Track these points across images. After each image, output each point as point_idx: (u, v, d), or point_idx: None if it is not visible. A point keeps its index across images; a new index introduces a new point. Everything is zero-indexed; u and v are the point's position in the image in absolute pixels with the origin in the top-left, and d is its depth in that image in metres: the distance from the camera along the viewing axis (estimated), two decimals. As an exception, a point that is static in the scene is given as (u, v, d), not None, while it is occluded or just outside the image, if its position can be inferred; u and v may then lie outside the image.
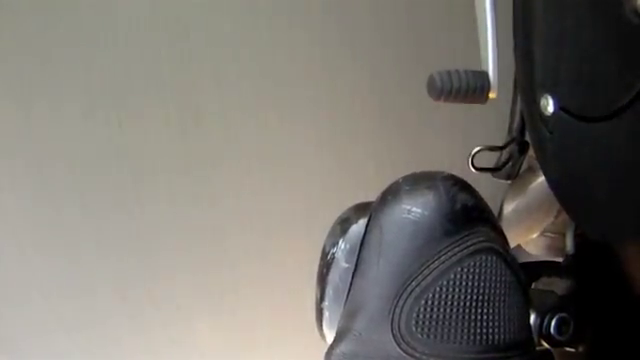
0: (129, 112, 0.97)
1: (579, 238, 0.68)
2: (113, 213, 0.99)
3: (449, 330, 0.53)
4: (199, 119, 1.01)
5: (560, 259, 0.70)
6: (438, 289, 0.53)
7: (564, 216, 0.70)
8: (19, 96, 0.92)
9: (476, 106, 0.59)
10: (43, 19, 0.91)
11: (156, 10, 0.96)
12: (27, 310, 0.98)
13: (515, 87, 0.65)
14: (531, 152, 0.64)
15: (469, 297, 0.53)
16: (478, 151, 0.66)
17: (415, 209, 0.54)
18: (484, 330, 0.53)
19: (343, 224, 0.57)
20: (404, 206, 0.54)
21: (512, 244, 0.62)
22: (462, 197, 0.55)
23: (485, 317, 0.53)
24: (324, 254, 0.58)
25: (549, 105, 0.55)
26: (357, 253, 0.56)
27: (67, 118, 0.94)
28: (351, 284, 0.55)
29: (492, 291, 0.54)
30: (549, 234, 0.75)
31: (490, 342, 0.53)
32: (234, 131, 1.02)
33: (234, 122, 1.02)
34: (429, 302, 0.53)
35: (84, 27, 0.93)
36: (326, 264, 0.57)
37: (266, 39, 1.01)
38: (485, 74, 0.57)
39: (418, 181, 0.56)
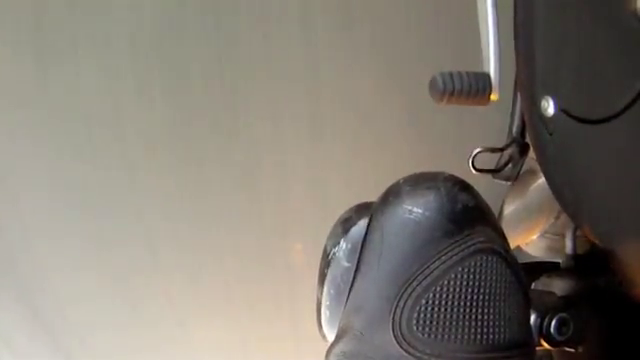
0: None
1: (579, 239, 0.69)
2: (113, 208, 0.99)
3: (450, 330, 0.53)
4: (212, 117, 1.01)
5: (560, 260, 0.70)
6: (439, 289, 0.53)
7: (564, 217, 0.70)
8: (39, 50, 0.92)
9: (477, 107, 0.59)
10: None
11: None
12: (26, 305, 0.98)
13: (515, 88, 0.65)
14: (531, 154, 0.64)
15: (470, 297, 0.53)
16: (479, 152, 0.66)
17: (416, 209, 0.54)
18: (484, 330, 0.54)
19: (344, 224, 0.58)
20: (405, 206, 0.55)
21: (512, 245, 0.63)
22: (463, 197, 0.55)
23: (486, 317, 0.54)
24: (325, 254, 0.58)
25: (549, 107, 0.55)
26: (358, 253, 0.56)
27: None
28: (352, 284, 0.56)
29: (493, 291, 0.54)
30: (549, 235, 0.75)
31: (490, 342, 0.54)
32: (246, 132, 1.03)
33: (245, 123, 1.02)
34: (430, 302, 0.53)
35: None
36: (327, 264, 0.57)
37: (271, 40, 1.01)
38: (487, 75, 0.57)
39: (419, 181, 0.56)
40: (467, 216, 0.55)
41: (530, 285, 0.66)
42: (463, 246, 0.54)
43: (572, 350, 0.63)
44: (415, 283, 0.53)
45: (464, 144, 0.67)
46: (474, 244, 0.54)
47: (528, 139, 0.65)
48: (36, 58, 0.93)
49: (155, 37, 0.97)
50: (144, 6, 0.96)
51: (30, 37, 0.92)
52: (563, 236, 0.70)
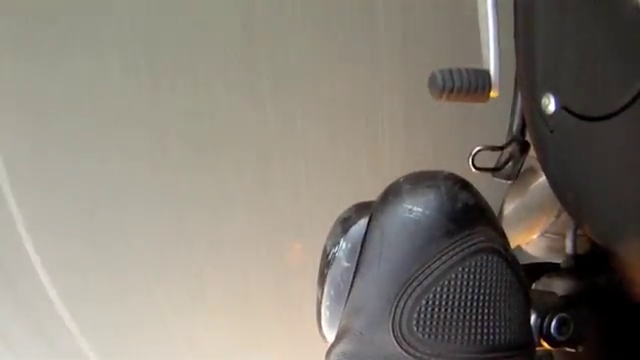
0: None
1: (579, 239, 0.68)
2: (113, 209, 0.99)
3: (450, 330, 0.53)
4: (213, 113, 1.01)
5: (560, 261, 0.70)
6: (439, 289, 0.53)
7: (565, 217, 0.70)
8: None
9: (476, 105, 0.59)
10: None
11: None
12: (22, 307, 0.98)
13: (516, 86, 0.65)
14: (532, 152, 0.64)
15: (470, 297, 0.53)
16: (479, 151, 0.66)
17: (416, 208, 0.54)
18: (485, 330, 0.53)
19: (344, 224, 0.57)
20: (405, 205, 0.54)
21: (512, 244, 0.62)
22: (463, 196, 0.55)
23: (486, 317, 0.53)
24: (325, 254, 0.58)
25: (550, 104, 0.55)
26: (358, 253, 0.55)
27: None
28: (352, 284, 0.55)
29: (493, 291, 0.54)
30: (549, 235, 0.75)
31: (491, 342, 0.53)
32: (246, 127, 1.02)
33: (252, 122, 1.02)
34: (430, 302, 0.53)
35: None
36: (327, 264, 0.57)
37: (265, 39, 1.01)
38: (487, 72, 0.57)
39: (419, 180, 0.56)
40: (467, 215, 0.55)
41: (530, 285, 0.66)
42: (463, 246, 0.54)
43: (572, 350, 0.63)
44: (415, 283, 0.53)
45: (464, 142, 0.67)
46: (474, 244, 0.54)
47: (528, 137, 0.65)
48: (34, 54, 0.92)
49: (163, 36, 0.97)
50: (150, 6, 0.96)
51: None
52: (563, 236, 0.70)
